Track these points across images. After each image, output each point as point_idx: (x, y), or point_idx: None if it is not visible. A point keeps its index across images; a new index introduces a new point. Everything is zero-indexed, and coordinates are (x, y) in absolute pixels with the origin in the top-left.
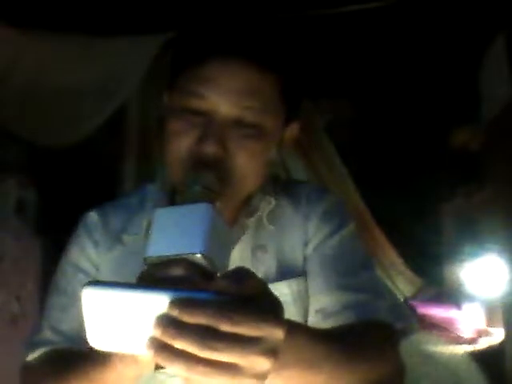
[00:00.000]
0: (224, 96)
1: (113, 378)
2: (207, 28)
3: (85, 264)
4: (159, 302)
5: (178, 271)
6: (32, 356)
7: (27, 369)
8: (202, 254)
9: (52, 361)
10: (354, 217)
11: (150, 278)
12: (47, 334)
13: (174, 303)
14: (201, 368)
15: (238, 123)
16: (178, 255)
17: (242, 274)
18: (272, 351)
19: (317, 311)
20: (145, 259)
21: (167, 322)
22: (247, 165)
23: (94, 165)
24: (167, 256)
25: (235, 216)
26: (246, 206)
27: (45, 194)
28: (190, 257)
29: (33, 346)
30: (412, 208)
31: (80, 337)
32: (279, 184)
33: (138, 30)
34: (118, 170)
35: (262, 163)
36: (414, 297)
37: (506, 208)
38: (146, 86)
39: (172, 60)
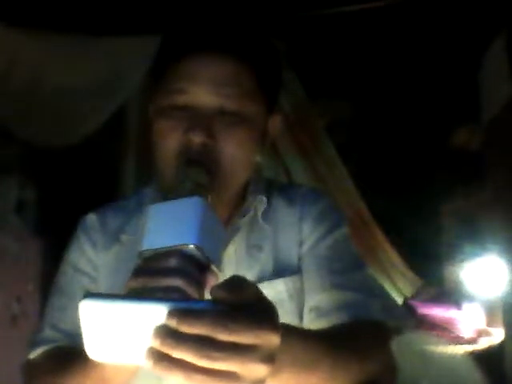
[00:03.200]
0: (204, 87)
1: (110, 374)
2: (183, 28)
3: (84, 265)
4: (157, 312)
5: (171, 263)
6: (34, 354)
7: (29, 366)
8: (195, 245)
9: (53, 358)
10: (354, 217)
11: (145, 271)
12: (48, 332)
13: (171, 314)
14: (199, 377)
15: (221, 112)
16: (171, 247)
17: (237, 282)
18: (269, 357)
19: (311, 309)
20: (139, 253)
21: (165, 333)
22: (235, 152)
23: (93, 165)
24: (161, 249)
25: (229, 216)
26: (240, 206)
27: (45, 194)
28: (184, 248)
29: (34, 344)
30: (412, 208)
31: (80, 335)
32: (274, 186)
33: (138, 30)
34: (118, 170)
35: (249, 152)
36: (414, 297)
37: (505, 208)
38: (145, 86)
39: (153, 64)
